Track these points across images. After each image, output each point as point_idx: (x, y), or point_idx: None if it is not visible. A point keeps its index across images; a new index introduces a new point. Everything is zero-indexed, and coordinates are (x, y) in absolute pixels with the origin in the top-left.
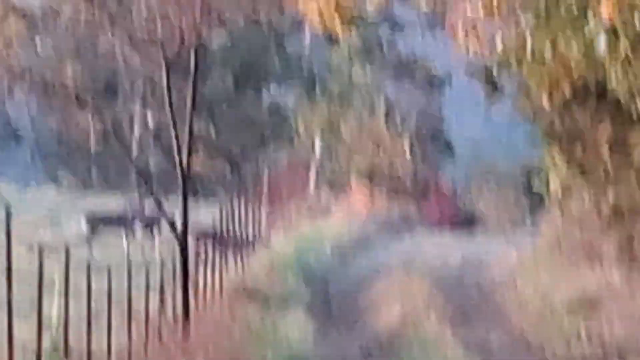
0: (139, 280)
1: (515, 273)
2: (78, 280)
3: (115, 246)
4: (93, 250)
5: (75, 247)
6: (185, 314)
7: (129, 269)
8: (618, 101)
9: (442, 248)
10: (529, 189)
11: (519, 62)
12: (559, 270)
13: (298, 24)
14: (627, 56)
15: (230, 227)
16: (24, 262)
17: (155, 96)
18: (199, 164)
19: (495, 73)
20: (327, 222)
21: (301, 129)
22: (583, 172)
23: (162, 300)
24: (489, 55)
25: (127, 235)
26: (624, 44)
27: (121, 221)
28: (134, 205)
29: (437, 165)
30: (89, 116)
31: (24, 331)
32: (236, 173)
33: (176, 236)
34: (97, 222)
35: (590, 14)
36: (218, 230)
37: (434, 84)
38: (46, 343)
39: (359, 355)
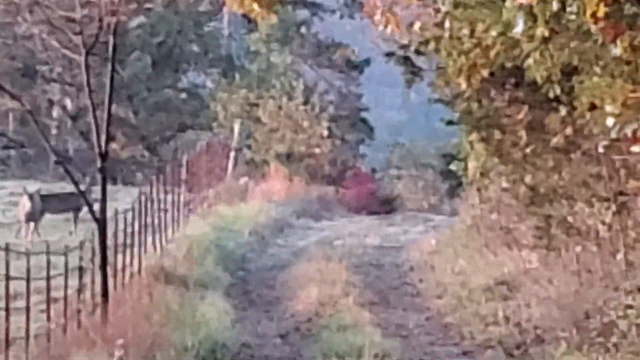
0: (57, 263)
1: (434, 256)
2: None
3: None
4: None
5: None
6: (104, 297)
7: (47, 251)
8: (535, 84)
9: (361, 231)
10: (447, 172)
11: (437, 45)
12: (476, 253)
13: (217, 6)
14: (544, 38)
15: (149, 211)
16: None
17: (74, 79)
18: (117, 148)
19: (413, 56)
20: (245, 206)
21: (220, 113)
22: (501, 156)
23: (80, 283)
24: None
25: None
26: (541, 26)
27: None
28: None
29: (356, 149)
30: (8, 100)
31: None
32: (155, 157)
33: (95, 219)
34: (39, 204)
35: None
36: (136, 214)
37: (353, 67)
38: None
39: (277, 338)
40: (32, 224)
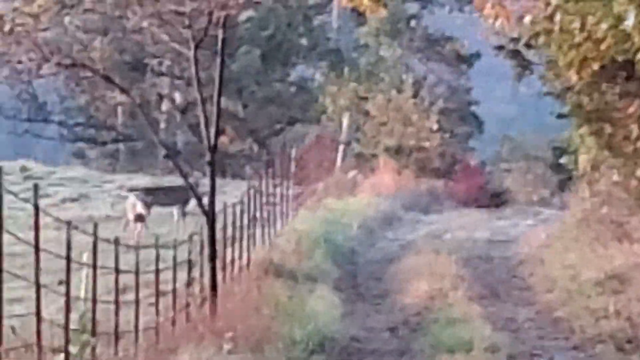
0: (166, 257)
1: (543, 250)
2: (106, 256)
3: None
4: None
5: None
6: (213, 290)
7: (156, 244)
8: None
9: (470, 225)
10: (557, 165)
11: (547, 38)
12: (587, 247)
13: (325, 0)
14: None
15: (258, 205)
16: (52, 239)
17: (183, 73)
18: (226, 141)
19: (523, 49)
20: (354, 199)
21: (329, 106)
22: (612, 149)
23: (189, 277)
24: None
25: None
26: None
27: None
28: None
29: (465, 142)
30: (117, 94)
31: (52, 308)
32: (263, 150)
33: (204, 212)
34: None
35: None
36: (245, 207)
37: (463, 60)
38: (74, 320)
39: (386, 332)
40: (139, 224)
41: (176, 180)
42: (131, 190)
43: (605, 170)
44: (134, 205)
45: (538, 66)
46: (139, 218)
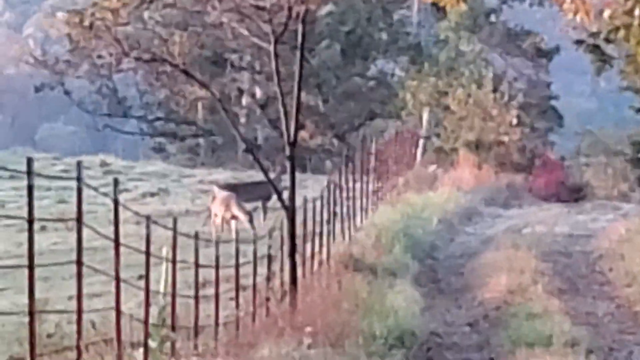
0: (246, 251)
1: (623, 244)
2: (185, 251)
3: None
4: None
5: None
6: (293, 285)
7: (236, 239)
8: None
9: (550, 219)
10: (637, 160)
11: (626, 33)
12: None
13: None
14: None
15: (338, 199)
16: (132, 234)
17: (263, 68)
18: (306, 136)
19: (602, 44)
20: (434, 193)
21: (409, 101)
22: None
23: (269, 271)
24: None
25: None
26: None
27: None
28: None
29: (545, 137)
30: (197, 89)
31: (132, 303)
32: (343, 145)
33: (284, 207)
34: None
35: None
36: (325, 202)
37: (542, 54)
38: (153, 314)
39: (466, 327)
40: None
41: (256, 176)
42: (219, 186)
43: None
44: (228, 204)
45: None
46: (233, 217)
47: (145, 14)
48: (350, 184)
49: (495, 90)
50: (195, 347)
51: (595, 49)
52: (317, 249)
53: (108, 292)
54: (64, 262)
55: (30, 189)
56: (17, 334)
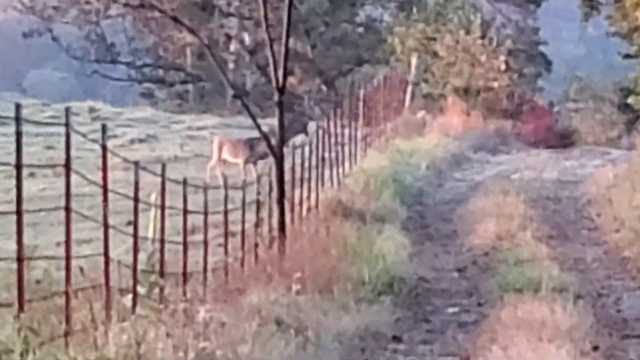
0: (235, 198)
1: (611, 190)
2: (174, 197)
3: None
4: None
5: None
6: (281, 231)
7: (225, 185)
8: None
9: (538, 165)
10: (624, 106)
11: None
12: None
13: None
14: None
15: (326, 145)
16: (120, 180)
17: (252, 13)
18: (295, 82)
19: None
20: (422, 139)
21: (397, 47)
22: None
23: (258, 218)
24: None
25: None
26: None
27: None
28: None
29: (533, 83)
30: (185, 35)
31: (120, 249)
32: (332, 91)
33: (273, 153)
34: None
35: None
36: (314, 148)
37: (531, 0)
38: (142, 260)
39: (454, 272)
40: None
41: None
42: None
43: None
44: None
45: (606, 6)
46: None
47: None
48: (339, 130)
49: (483, 37)
50: (184, 293)
51: None
52: (305, 195)
53: (96, 238)
54: (53, 208)
55: (18, 135)
56: (5, 280)
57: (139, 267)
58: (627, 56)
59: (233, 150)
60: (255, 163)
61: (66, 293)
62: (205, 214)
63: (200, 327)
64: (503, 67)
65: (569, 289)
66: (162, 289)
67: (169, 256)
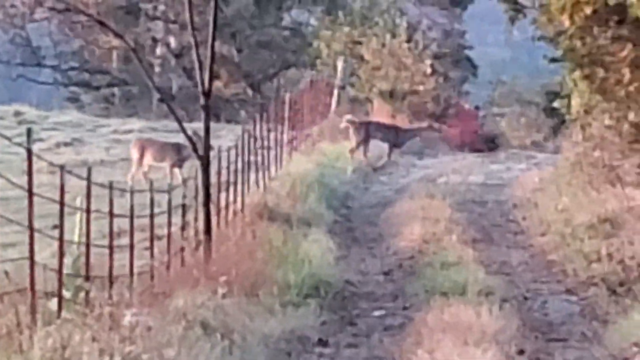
0: (161, 201)
1: (537, 194)
2: (100, 201)
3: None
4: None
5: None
6: (207, 235)
7: (151, 188)
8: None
9: (464, 169)
10: (550, 109)
11: None
12: (580, 191)
13: None
14: None
15: (252, 149)
16: (46, 184)
17: (178, 17)
18: (221, 86)
19: None
20: (349, 143)
21: (323, 51)
22: (604, 93)
23: (184, 221)
24: None
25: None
26: None
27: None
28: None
29: (459, 86)
30: (111, 38)
31: (46, 252)
32: (258, 95)
33: (198, 157)
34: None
35: None
36: (240, 152)
37: (456, 4)
38: (67, 264)
39: (380, 276)
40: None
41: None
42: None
43: (597, 114)
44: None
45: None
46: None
47: None
48: (265, 134)
49: (409, 40)
50: (110, 297)
51: None
52: (231, 198)
53: (22, 242)
54: None
55: None
56: None
57: (65, 271)
58: (553, 60)
59: (159, 153)
60: (181, 166)
61: None
62: (131, 217)
63: (126, 331)
64: (429, 70)
65: (494, 293)
66: (87, 293)
67: (94, 260)
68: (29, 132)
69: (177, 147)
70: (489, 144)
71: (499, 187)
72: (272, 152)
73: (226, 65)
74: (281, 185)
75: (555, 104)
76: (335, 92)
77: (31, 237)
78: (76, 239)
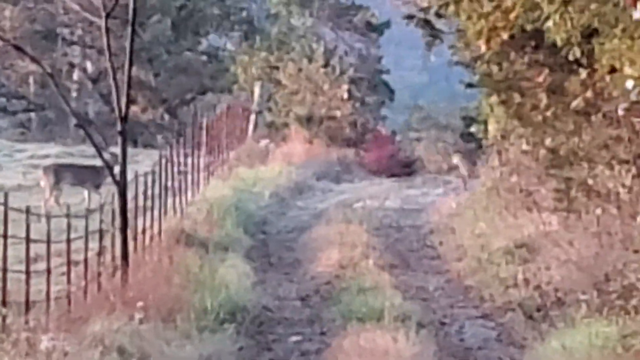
0: (78, 226)
1: (454, 219)
2: (17, 225)
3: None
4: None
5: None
6: (124, 260)
7: (68, 213)
8: (556, 46)
9: (381, 194)
10: (467, 134)
11: (457, 8)
12: (497, 216)
13: None
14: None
15: (169, 174)
16: None
17: (95, 42)
18: (138, 111)
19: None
20: (265, 168)
21: (240, 76)
22: (521, 118)
23: (101, 246)
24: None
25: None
26: None
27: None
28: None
29: (376, 111)
30: (28, 63)
31: None
32: (175, 120)
33: (115, 182)
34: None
35: None
36: (157, 177)
37: (373, 29)
38: None
39: (297, 301)
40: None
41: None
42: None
43: (514, 140)
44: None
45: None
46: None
47: None
48: (182, 159)
49: (326, 65)
50: (27, 322)
51: (426, 23)
52: (148, 223)
53: None
54: None
55: None
56: None
57: None
58: (470, 85)
59: (78, 177)
60: (98, 189)
61: None
62: (48, 242)
63: (43, 356)
64: (346, 95)
65: (411, 318)
66: (4, 318)
67: (11, 285)
68: None
69: (96, 170)
70: (406, 169)
71: (415, 212)
72: (190, 177)
73: (143, 90)
74: (198, 210)
75: (472, 129)
76: (253, 117)
77: None
78: None
